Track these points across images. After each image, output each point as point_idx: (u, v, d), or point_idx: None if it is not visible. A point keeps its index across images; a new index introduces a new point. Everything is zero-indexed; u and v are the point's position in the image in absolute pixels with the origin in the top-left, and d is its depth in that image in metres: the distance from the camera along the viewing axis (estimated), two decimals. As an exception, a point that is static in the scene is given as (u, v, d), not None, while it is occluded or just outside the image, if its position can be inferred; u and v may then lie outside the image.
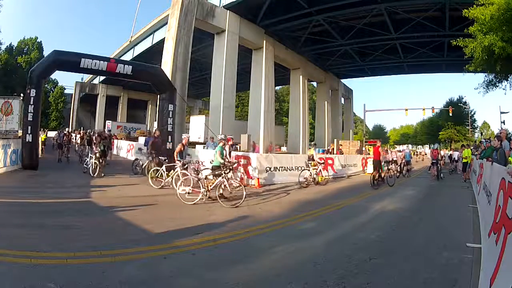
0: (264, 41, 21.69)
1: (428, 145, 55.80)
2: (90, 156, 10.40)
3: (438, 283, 3.01)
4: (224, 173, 6.64)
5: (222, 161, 6.96)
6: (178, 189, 6.67)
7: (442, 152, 18.72)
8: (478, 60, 14.56)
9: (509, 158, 6.89)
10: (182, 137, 8.93)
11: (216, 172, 6.79)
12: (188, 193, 6.53)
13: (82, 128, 35.38)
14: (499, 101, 67.43)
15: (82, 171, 10.42)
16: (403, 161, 14.51)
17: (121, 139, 24.70)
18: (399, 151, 18.69)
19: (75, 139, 20.96)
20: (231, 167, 6.99)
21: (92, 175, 9.68)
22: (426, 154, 38.32)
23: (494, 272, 2.51)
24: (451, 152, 19.98)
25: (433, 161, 14.21)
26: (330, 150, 16.03)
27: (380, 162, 10.39)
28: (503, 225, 2.77)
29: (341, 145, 22.71)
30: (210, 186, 6.69)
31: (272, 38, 22.42)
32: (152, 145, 10.22)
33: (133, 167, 11.03)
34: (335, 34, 22.49)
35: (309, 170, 10.13)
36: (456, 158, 16.81)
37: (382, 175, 10.44)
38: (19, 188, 7.57)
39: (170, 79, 13.57)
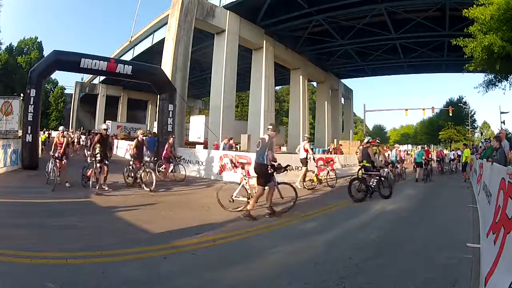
0: (264, 41, 21.71)
1: (427, 145, 55.75)
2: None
3: (438, 283, 3.01)
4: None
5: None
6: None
7: (445, 151, 19.90)
8: (478, 60, 14.58)
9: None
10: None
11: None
12: None
13: (82, 128, 35.35)
14: (499, 101, 67.51)
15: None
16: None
17: (121, 139, 24.71)
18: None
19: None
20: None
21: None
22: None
23: (490, 270, 2.51)
24: (453, 152, 20.23)
25: (437, 159, 16.80)
26: (330, 150, 16.04)
27: (428, 161, 12.53)
28: (503, 225, 2.77)
29: (341, 145, 22.70)
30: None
31: (272, 38, 22.44)
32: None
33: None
34: (335, 34, 22.51)
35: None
36: (452, 157, 17.18)
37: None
38: (19, 188, 7.57)
39: (170, 79, 13.58)
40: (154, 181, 7.60)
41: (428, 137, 51.04)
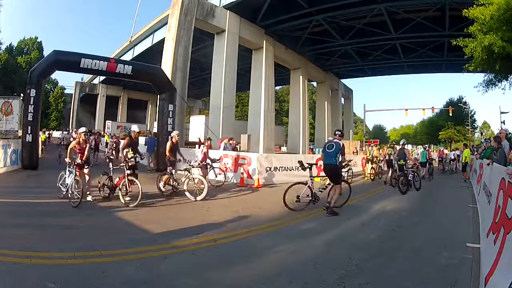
0: (264, 41, 21.70)
1: (427, 145, 55.72)
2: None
3: (437, 283, 3.02)
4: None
5: None
6: None
7: (445, 151, 20.62)
8: (478, 60, 14.57)
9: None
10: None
11: None
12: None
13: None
14: (499, 101, 67.55)
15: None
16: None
17: (122, 139, 24.68)
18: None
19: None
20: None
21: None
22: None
23: (491, 270, 2.51)
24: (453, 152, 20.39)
25: (439, 158, 17.29)
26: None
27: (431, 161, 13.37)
28: (503, 225, 2.77)
29: (341, 145, 22.62)
30: None
31: (272, 38, 22.43)
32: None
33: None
34: (335, 34, 22.49)
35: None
36: (453, 157, 17.24)
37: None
38: (19, 188, 7.57)
39: (170, 79, 13.57)
40: (206, 189, 6.88)
41: (428, 137, 51.06)
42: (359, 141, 28.48)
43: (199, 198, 6.80)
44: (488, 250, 3.08)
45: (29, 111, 10.52)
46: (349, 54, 26.92)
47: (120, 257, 3.46)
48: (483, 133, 49.04)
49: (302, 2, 18.33)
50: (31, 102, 10.54)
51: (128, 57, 31.85)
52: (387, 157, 11.70)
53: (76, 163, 6.11)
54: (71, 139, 14.34)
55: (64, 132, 15.61)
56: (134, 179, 6.18)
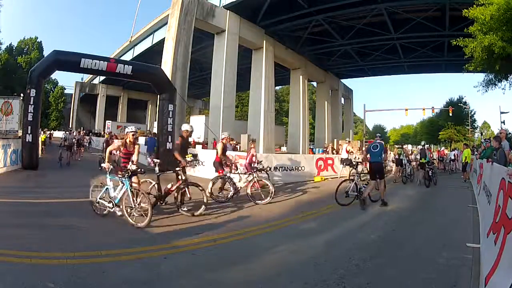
0: (264, 41, 21.70)
1: (428, 145, 55.55)
2: None
3: (438, 283, 3.01)
4: None
5: None
6: None
7: (445, 151, 20.85)
8: (478, 60, 14.58)
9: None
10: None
11: None
12: None
13: (82, 128, 35.35)
14: (499, 101, 67.41)
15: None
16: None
17: (122, 139, 24.64)
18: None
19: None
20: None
21: None
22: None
23: (491, 270, 2.51)
24: (453, 152, 20.44)
25: (440, 158, 16.92)
26: (328, 151, 16.00)
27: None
28: (503, 225, 2.77)
29: (341, 145, 22.67)
30: None
31: (272, 38, 22.42)
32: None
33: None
34: (335, 34, 22.48)
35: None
36: (453, 158, 17.24)
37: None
38: (19, 188, 7.56)
39: (170, 79, 13.56)
40: (272, 191, 6.55)
41: (428, 137, 50.90)
42: (359, 141, 28.44)
43: (262, 202, 6.41)
44: (488, 250, 3.08)
45: (29, 111, 10.50)
46: (349, 54, 26.91)
47: (120, 257, 3.46)
48: (483, 133, 49.02)
49: (302, 2, 18.33)
50: (31, 102, 10.53)
51: (128, 57, 31.84)
52: (396, 157, 12.46)
53: (131, 171, 4.83)
54: (74, 140, 14.29)
55: (66, 133, 15.28)
56: (197, 184, 5.48)
